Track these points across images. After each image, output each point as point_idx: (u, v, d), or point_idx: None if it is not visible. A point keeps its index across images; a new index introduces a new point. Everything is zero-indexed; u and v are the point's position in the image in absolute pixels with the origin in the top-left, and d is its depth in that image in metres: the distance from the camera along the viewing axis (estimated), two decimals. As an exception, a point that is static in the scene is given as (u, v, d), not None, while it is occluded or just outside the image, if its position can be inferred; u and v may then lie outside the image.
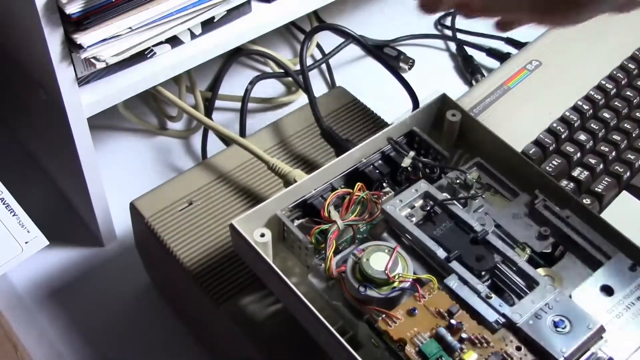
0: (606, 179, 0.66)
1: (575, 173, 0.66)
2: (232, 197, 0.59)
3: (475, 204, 0.52)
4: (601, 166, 0.67)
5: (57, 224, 0.70)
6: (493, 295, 0.46)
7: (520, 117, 0.70)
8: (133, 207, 0.59)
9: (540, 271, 0.49)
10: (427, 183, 0.52)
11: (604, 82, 0.74)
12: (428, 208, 0.51)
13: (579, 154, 0.68)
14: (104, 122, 0.75)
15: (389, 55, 0.82)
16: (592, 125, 0.70)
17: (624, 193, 0.66)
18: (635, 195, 0.66)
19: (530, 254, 0.50)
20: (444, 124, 0.57)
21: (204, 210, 0.58)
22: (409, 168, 0.54)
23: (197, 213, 0.58)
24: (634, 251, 0.50)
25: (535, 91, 0.73)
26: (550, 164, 0.66)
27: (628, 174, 0.67)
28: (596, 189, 0.65)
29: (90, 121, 0.59)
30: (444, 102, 0.57)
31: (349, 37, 0.63)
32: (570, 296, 0.47)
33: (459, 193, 0.53)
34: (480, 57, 0.85)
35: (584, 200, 0.63)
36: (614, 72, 0.75)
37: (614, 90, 0.74)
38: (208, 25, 0.63)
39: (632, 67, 0.76)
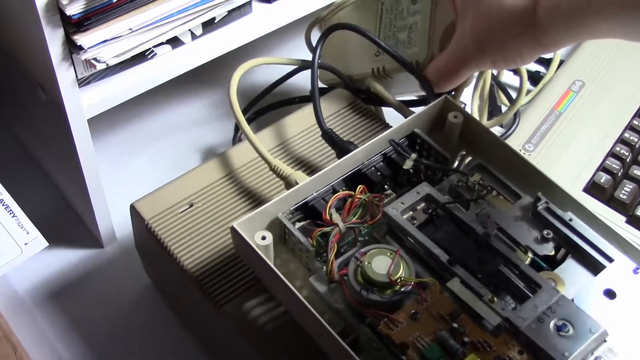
0: None
1: None
2: (233, 199, 0.59)
3: (477, 207, 0.52)
4: None
5: (56, 225, 0.69)
6: (495, 298, 0.46)
7: (579, 142, 0.70)
8: (133, 209, 0.59)
9: (543, 274, 0.49)
10: (429, 185, 0.52)
11: None
12: (430, 211, 0.51)
13: None
14: (105, 123, 0.75)
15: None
16: None
17: None
18: None
19: (533, 257, 0.50)
20: (446, 125, 0.57)
21: (204, 212, 0.58)
22: (410, 170, 0.54)
23: (198, 215, 0.58)
24: (637, 254, 0.49)
25: (586, 113, 0.73)
26: (624, 191, 0.66)
27: None
28: None
29: (90, 122, 0.59)
30: (445, 104, 0.57)
31: (365, 36, 0.63)
32: (573, 300, 0.47)
33: (461, 195, 0.53)
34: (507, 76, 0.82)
35: None
36: None
37: None
38: (209, 26, 0.62)
39: None
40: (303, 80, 0.70)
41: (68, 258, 0.68)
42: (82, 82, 0.58)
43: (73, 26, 0.53)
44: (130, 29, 0.56)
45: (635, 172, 0.68)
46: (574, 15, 0.49)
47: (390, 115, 0.68)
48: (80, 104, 0.57)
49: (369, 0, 0.66)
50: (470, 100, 0.69)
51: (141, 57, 0.60)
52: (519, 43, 0.53)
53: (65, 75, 0.55)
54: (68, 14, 0.52)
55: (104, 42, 0.55)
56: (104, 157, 0.74)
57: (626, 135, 0.71)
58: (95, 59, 0.55)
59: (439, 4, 0.60)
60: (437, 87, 0.59)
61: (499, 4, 0.52)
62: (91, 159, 0.61)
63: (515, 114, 0.72)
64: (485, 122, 0.69)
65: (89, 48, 0.54)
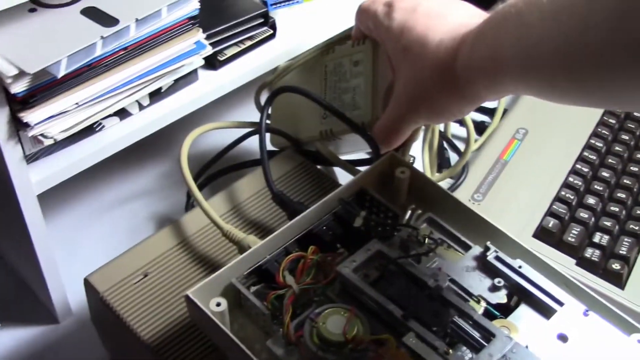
0: (625, 239, 0.67)
1: (596, 239, 0.68)
2: (188, 266, 0.59)
3: (428, 260, 0.53)
4: (617, 227, 0.69)
5: (9, 301, 0.68)
6: (451, 350, 0.47)
7: (526, 189, 0.72)
8: (87, 283, 0.58)
9: (496, 323, 0.50)
10: (379, 242, 0.53)
11: (593, 142, 0.76)
12: (382, 267, 0.52)
13: (593, 219, 0.69)
14: (56, 197, 0.74)
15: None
16: (595, 187, 0.72)
17: None
18: None
19: (486, 306, 0.51)
20: (394, 181, 0.58)
21: (159, 281, 0.58)
22: (361, 228, 0.54)
23: (153, 285, 0.57)
24: (586, 296, 0.51)
25: (531, 160, 0.75)
26: (572, 234, 0.67)
27: None
28: (621, 251, 0.66)
29: (40, 197, 0.59)
30: (392, 160, 0.58)
31: (311, 99, 0.63)
32: (527, 346, 0.48)
33: (412, 250, 0.53)
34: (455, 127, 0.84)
35: (613, 266, 0.65)
36: (599, 130, 0.77)
37: (604, 147, 0.76)
38: (156, 95, 0.63)
39: (613, 121, 0.79)
40: (254, 144, 0.71)
41: (22, 335, 0.67)
42: (30, 158, 0.58)
43: (18, 104, 0.54)
44: (77, 103, 0.56)
45: (582, 214, 0.70)
46: (485, 72, 0.51)
47: (343, 174, 0.69)
48: (29, 180, 0.57)
49: (314, 63, 0.68)
50: (420, 153, 0.70)
51: (89, 130, 0.60)
52: (445, 98, 0.55)
53: (12, 153, 0.55)
54: (13, 92, 0.52)
55: (50, 117, 0.55)
56: (56, 231, 0.74)
57: (570, 179, 0.73)
58: (42, 135, 0.56)
59: (380, 66, 0.62)
60: (382, 145, 0.60)
61: (424, 62, 0.54)
62: (42, 234, 0.61)
63: (463, 165, 0.74)
64: (435, 175, 0.71)
65: (35, 125, 0.54)
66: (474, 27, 0.52)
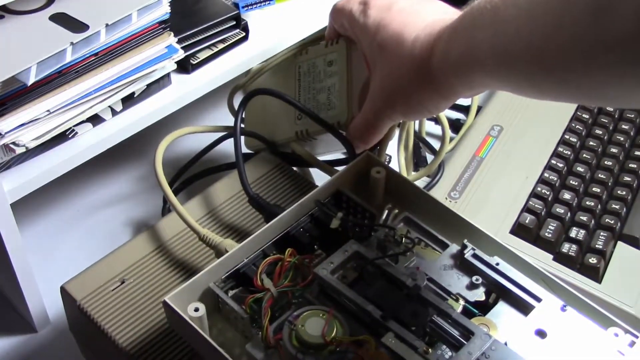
0: (602, 234, 0.68)
1: (572, 234, 0.68)
2: (165, 272, 0.58)
3: (406, 259, 0.53)
4: (592, 222, 0.69)
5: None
6: (430, 349, 0.47)
7: (502, 186, 0.72)
8: (64, 291, 0.58)
9: (475, 320, 0.50)
10: (357, 243, 0.52)
11: (567, 137, 0.77)
12: (360, 268, 0.52)
13: (569, 214, 0.69)
14: (31, 205, 0.74)
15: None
16: (571, 182, 0.73)
17: (620, 244, 0.68)
18: (630, 243, 0.68)
19: (464, 304, 0.51)
20: (370, 181, 0.58)
21: (137, 287, 0.57)
22: (339, 229, 0.54)
23: (131, 291, 0.57)
24: (563, 292, 0.51)
25: (506, 157, 0.75)
26: (548, 230, 0.68)
27: (619, 224, 0.69)
28: (597, 245, 0.67)
29: (15, 205, 0.58)
30: (367, 160, 0.58)
31: (284, 100, 0.63)
32: (506, 343, 0.48)
33: (389, 250, 0.53)
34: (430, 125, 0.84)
35: (590, 260, 0.66)
36: (573, 125, 0.78)
37: (578, 142, 0.77)
38: (129, 101, 0.63)
39: (586, 116, 0.79)
40: (229, 147, 0.71)
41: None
42: (3, 167, 0.57)
43: (-12, 113, 0.53)
44: (48, 110, 0.56)
45: (558, 210, 0.70)
46: (461, 68, 0.51)
47: (320, 174, 0.68)
48: (2, 189, 0.57)
49: (287, 65, 0.67)
50: (395, 153, 0.70)
51: (62, 137, 0.60)
52: (422, 94, 0.55)
53: (-17, 162, 0.54)
54: (-18, 101, 0.52)
55: (21, 125, 0.55)
56: (31, 240, 0.73)
57: (546, 175, 0.73)
58: (14, 143, 0.55)
59: (354, 65, 0.62)
60: (359, 143, 0.60)
61: (400, 58, 0.54)
62: (17, 243, 0.60)
63: (439, 163, 0.74)
64: (411, 174, 0.71)
65: (6, 133, 0.54)
66: (450, 23, 0.52)
